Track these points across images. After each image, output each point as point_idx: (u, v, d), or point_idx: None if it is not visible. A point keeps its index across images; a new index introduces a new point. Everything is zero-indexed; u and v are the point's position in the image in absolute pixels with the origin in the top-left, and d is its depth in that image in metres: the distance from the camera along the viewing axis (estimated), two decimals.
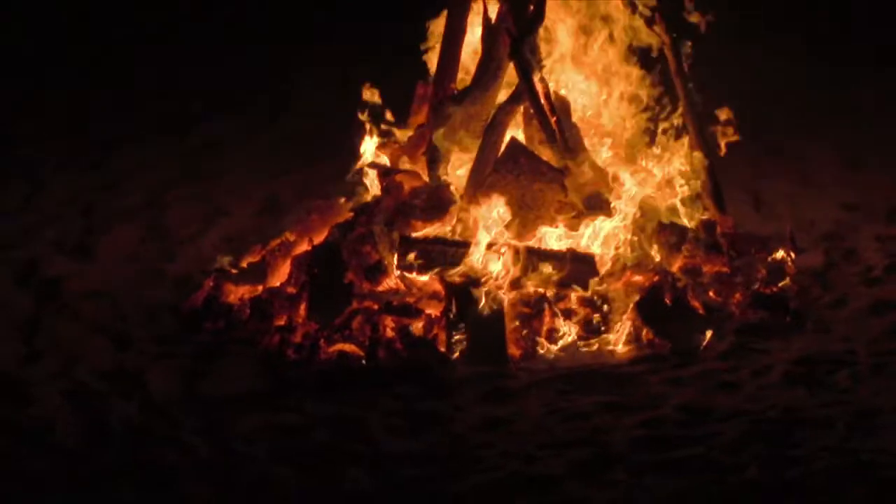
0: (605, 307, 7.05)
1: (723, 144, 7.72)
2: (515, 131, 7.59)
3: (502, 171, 7.31)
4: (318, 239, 7.40)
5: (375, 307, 7.00)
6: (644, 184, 7.48)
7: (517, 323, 6.96)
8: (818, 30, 12.39)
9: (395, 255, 7.15)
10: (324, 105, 11.30)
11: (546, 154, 7.43)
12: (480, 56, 7.61)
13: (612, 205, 7.32)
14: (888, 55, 11.96)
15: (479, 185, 7.36)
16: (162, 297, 7.67)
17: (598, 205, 7.34)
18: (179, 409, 6.30)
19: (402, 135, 7.76)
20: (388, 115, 7.73)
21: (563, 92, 7.66)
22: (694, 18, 7.54)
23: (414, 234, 7.25)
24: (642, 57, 7.71)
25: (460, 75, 7.75)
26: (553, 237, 7.30)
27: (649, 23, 7.61)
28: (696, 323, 7.02)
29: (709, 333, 6.96)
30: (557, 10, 7.63)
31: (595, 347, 6.95)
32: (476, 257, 7.09)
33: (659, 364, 6.75)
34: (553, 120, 7.44)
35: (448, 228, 7.33)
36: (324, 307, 7.06)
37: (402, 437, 6.02)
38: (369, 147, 7.76)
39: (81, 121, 11.30)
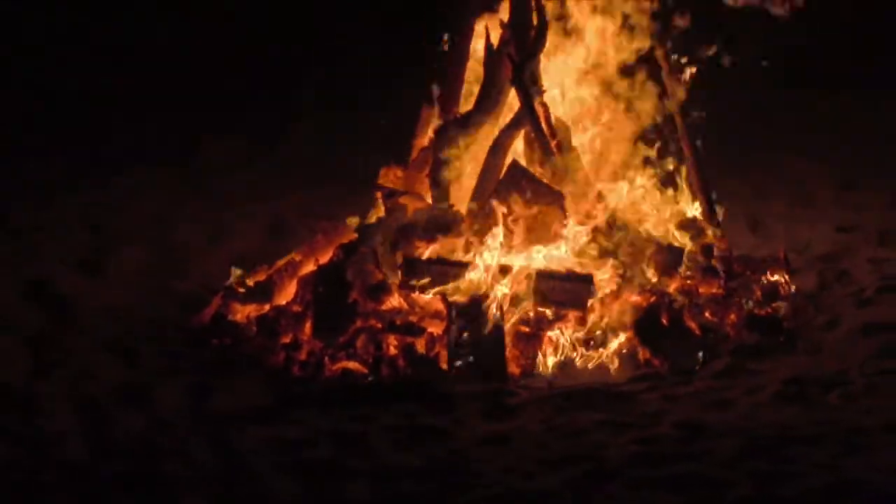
0: (603, 327, 7.12)
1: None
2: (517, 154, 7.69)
3: (504, 193, 7.40)
4: (324, 259, 7.47)
5: (379, 326, 7.08)
6: (641, 205, 7.59)
7: (517, 341, 7.03)
8: (815, 52, 12.48)
9: (399, 275, 7.24)
10: (328, 126, 11.36)
11: (546, 177, 7.51)
12: (483, 81, 7.71)
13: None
14: (884, 78, 12.06)
15: (481, 207, 7.45)
16: (170, 314, 7.75)
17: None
18: (186, 424, 6.34)
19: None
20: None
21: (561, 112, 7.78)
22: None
23: (417, 255, 7.33)
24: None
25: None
26: (552, 258, 7.36)
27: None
28: (693, 343, 7.08)
29: (704, 354, 7.03)
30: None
31: (593, 366, 7.02)
32: (477, 277, 7.17)
33: (655, 382, 6.80)
34: (553, 143, 7.54)
35: (450, 249, 7.40)
36: (329, 326, 7.13)
37: (403, 451, 6.06)
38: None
39: (91, 139, 11.37)
